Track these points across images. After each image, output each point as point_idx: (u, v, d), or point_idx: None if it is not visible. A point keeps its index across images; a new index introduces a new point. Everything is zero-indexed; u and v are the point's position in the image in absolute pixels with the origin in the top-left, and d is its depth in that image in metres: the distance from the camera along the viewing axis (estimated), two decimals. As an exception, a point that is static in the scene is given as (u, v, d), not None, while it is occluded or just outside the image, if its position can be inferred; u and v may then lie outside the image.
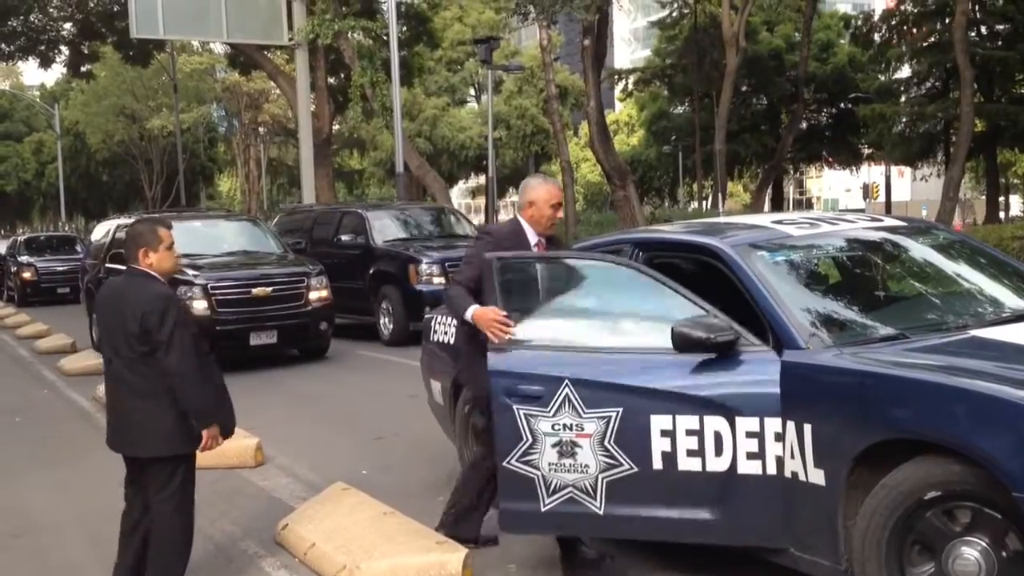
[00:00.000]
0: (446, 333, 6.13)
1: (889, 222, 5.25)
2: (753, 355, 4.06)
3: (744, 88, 36.99)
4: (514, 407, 4.39)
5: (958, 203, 30.01)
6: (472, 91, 56.69)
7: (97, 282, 13.68)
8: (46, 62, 31.47)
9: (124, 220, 14.00)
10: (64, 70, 35.77)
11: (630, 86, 40.68)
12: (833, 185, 78.74)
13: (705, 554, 4.55)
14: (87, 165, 53.20)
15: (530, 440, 4.37)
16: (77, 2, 30.17)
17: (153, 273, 4.34)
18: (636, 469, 4.19)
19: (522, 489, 4.39)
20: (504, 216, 40.22)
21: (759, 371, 4.01)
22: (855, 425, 3.67)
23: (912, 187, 61.30)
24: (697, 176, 36.83)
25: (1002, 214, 39.76)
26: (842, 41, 39.34)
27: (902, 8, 32.63)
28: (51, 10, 30.15)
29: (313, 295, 12.10)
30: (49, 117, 50.64)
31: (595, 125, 21.67)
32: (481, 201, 67.02)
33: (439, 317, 6.37)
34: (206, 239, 12.96)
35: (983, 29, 31.34)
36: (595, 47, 21.14)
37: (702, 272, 4.85)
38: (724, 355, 4.07)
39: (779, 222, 5.02)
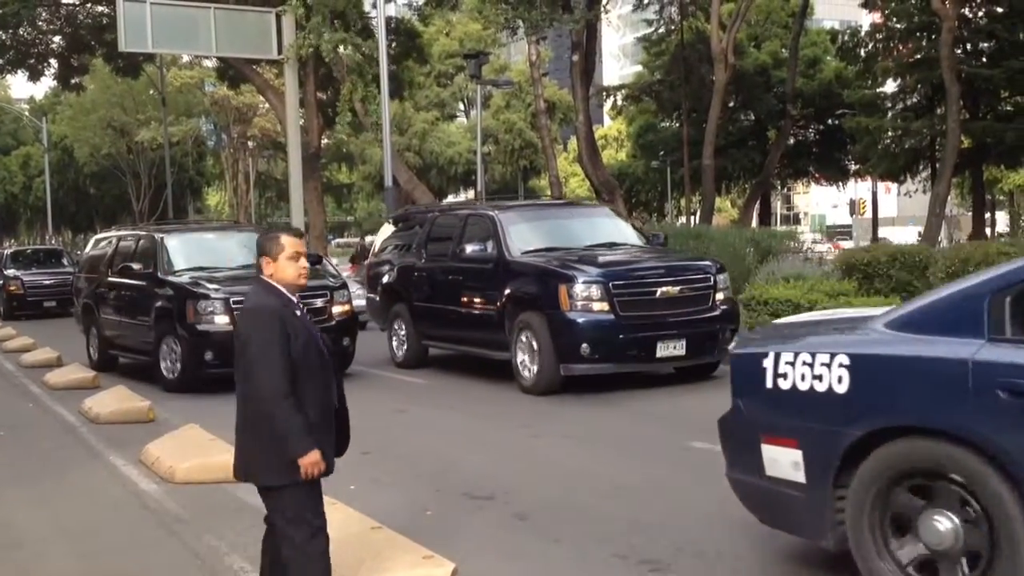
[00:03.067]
0: (803, 376, 4.33)
1: None
2: None
3: (731, 104, 37.15)
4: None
5: (944, 219, 30.22)
6: (461, 106, 56.99)
7: (97, 297, 13.42)
8: (35, 75, 31.38)
9: (129, 231, 13.79)
10: (53, 83, 35.69)
11: (619, 103, 40.86)
12: (820, 201, 79.15)
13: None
14: (75, 179, 53.12)
15: None
16: (66, 15, 30.16)
17: (272, 283, 4.02)
18: None
19: None
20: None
21: None
22: None
23: (898, 203, 61.78)
24: (685, 191, 36.94)
25: (988, 231, 40.01)
26: (829, 57, 39.60)
27: (888, 24, 32.90)
28: (40, 23, 30.10)
29: (337, 309, 11.62)
30: (37, 130, 50.55)
31: (583, 140, 21.77)
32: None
33: (783, 352, 4.48)
34: (219, 251, 12.47)
35: (968, 47, 31.60)
36: (583, 63, 21.26)
37: None
38: None
39: None
